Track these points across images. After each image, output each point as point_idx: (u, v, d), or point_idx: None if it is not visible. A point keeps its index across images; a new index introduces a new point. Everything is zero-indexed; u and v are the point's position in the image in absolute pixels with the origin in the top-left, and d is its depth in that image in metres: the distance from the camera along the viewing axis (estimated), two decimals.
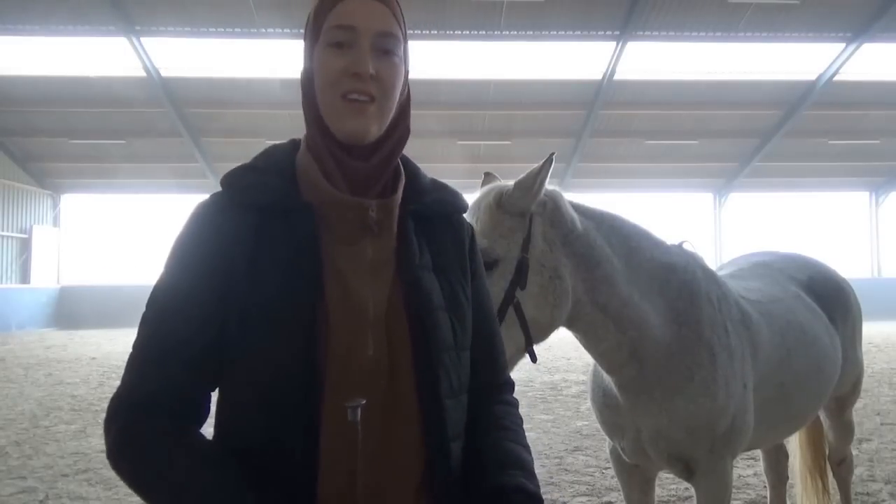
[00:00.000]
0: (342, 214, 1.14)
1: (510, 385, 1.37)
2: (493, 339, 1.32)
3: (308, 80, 1.18)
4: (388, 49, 1.13)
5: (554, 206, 2.07)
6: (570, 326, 2.16)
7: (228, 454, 1.08)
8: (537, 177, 1.98)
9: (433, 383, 1.12)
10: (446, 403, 1.13)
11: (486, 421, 1.25)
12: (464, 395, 1.20)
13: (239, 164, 1.19)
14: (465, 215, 1.35)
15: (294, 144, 1.24)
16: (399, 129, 1.19)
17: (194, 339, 1.08)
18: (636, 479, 2.56)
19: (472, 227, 1.35)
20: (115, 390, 1.13)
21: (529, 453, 1.24)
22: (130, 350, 1.12)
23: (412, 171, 1.28)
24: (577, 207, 2.17)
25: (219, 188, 1.18)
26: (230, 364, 1.10)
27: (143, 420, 1.07)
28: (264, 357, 1.07)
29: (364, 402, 1.05)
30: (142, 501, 1.08)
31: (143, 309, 1.13)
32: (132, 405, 1.08)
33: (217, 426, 1.15)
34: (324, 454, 1.06)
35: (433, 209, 1.25)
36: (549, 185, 2.06)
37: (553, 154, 2.02)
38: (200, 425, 1.12)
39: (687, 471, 2.28)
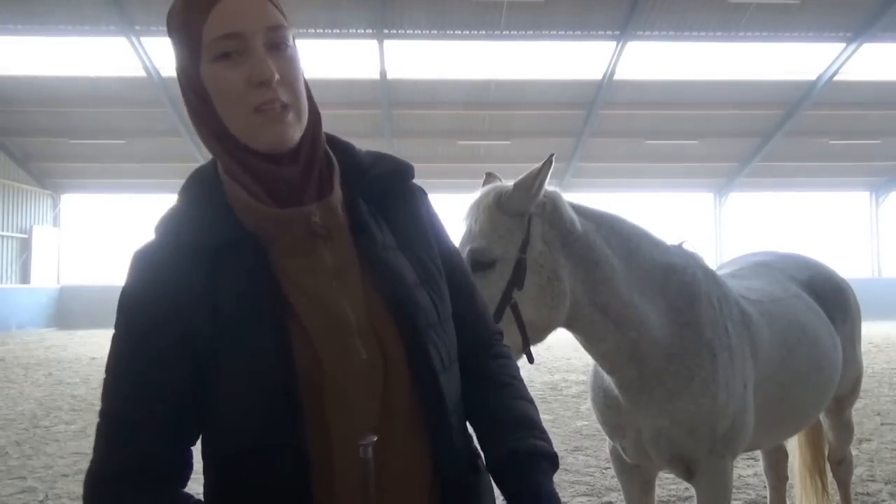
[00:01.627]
0: (286, 230, 1.08)
1: (500, 335, 1.34)
2: (473, 295, 1.30)
3: (199, 100, 1.08)
4: (279, 42, 1.05)
5: (553, 207, 2.07)
6: (569, 327, 2.15)
7: None
8: (537, 178, 1.98)
9: (426, 363, 1.09)
10: (441, 379, 1.11)
11: (485, 381, 1.23)
12: (455, 365, 1.18)
13: None
14: (415, 180, 1.27)
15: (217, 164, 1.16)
16: (311, 114, 1.11)
17: (166, 401, 1.04)
18: (636, 479, 2.56)
19: (423, 189, 1.28)
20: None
21: (534, 405, 1.23)
22: (98, 419, 1.07)
23: (347, 152, 1.20)
24: (576, 208, 2.17)
25: None
26: (213, 412, 1.06)
27: (129, 494, 1.02)
28: (250, 403, 1.02)
29: (375, 438, 1.02)
30: None
31: None
32: (113, 478, 1.03)
33: (210, 471, 1.10)
34: (337, 479, 1.03)
35: (380, 184, 1.19)
36: (549, 186, 2.06)
37: (553, 155, 2.02)
38: (186, 483, 1.09)
39: (687, 471, 2.28)
